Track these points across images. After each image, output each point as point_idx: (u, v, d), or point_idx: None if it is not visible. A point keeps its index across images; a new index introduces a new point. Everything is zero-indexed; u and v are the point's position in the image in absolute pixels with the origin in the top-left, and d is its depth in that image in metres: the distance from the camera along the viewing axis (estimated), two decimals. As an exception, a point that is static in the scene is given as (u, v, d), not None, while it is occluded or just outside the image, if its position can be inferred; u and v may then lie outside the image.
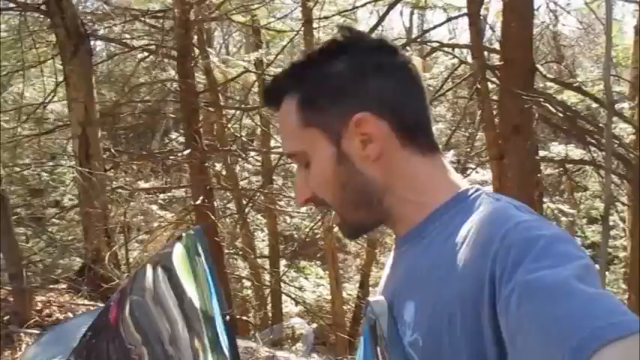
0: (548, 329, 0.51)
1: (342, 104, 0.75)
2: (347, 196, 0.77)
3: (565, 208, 7.47)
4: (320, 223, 7.87)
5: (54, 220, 8.07)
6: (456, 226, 0.70)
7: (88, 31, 5.46)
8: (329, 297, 8.82)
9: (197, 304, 0.82)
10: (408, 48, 5.19)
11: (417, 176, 0.77)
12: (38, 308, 3.51)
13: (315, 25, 6.42)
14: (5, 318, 3.36)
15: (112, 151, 6.77)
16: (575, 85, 5.16)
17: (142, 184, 8.17)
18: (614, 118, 5.43)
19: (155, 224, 8.14)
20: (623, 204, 6.80)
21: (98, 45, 9.39)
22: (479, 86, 4.06)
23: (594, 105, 5.38)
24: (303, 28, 6.60)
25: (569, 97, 5.98)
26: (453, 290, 0.65)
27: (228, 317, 0.77)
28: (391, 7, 5.13)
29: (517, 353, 0.55)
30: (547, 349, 0.51)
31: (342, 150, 0.75)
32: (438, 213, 0.74)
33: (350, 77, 0.76)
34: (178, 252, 0.86)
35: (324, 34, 6.65)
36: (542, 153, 5.60)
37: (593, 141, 3.86)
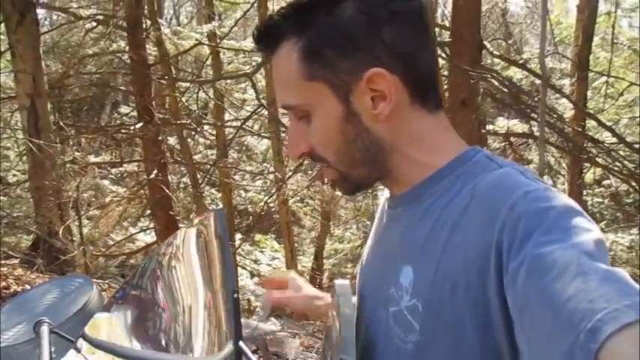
0: (560, 308, 0.49)
1: (353, 58, 0.68)
2: (351, 154, 0.71)
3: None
4: (275, 197, 7.94)
5: (-1, 196, 7.81)
6: (457, 191, 0.67)
7: (35, 1, 5.26)
8: (284, 269, 8.95)
9: (213, 279, 0.84)
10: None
11: (423, 135, 0.72)
12: (-6, 281, 3.47)
13: (269, -3, 6.38)
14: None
15: (61, 124, 6.59)
16: (520, 62, 5.38)
17: (93, 159, 7.99)
18: (557, 96, 5.71)
19: (107, 199, 8.02)
20: (563, 175, 7.18)
21: (40, 14, 9.02)
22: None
23: (537, 81, 5.64)
24: (257, 1, 6.55)
25: (515, 73, 6.22)
26: (455, 257, 0.63)
27: (236, 295, 0.77)
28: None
29: (525, 328, 0.53)
30: (558, 327, 0.48)
31: (350, 107, 0.69)
32: (439, 175, 0.70)
33: (362, 27, 0.68)
34: (197, 239, 0.91)
35: (278, 5, 6.62)
36: (488, 127, 5.83)
37: (534, 115, 4.08)
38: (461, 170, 0.69)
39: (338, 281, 0.76)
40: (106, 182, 8.49)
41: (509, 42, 8.16)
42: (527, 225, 0.57)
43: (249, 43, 8.83)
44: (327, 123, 0.70)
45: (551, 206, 0.58)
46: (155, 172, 6.43)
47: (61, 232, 4.33)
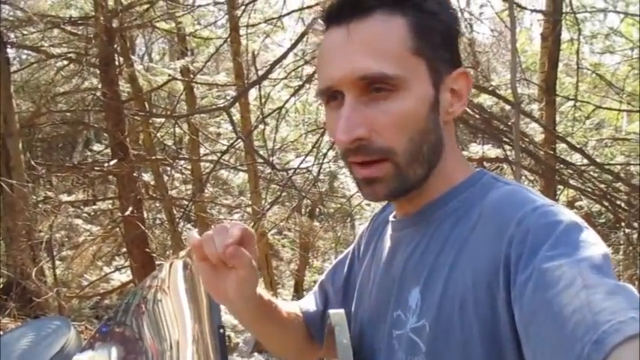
0: (565, 321, 0.49)
1: (450, 51, 0.70)
2: (420, 146, 0.67)
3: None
4: (253, 230, 7.85)
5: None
6: (465, 211, 0.68)
7: (5, 39, 5.22)
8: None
9: (197, 314, 0.82)
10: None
11: (455, 149, 0.73)
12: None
13: (242, 32, 6.45)
14: None
15: (33, 163, 6.47)
16: (490, 88, 5.52)
17: (65, 198, 7.84)
18: (527, 121, 5.85)
19: (81, 239, 7.84)
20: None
21: (10, 53, 8.94)
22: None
23: (507, 107, 5.77)
24: (229, 36, 6.61)
25: (486, 99, 6.37)
26: (464, 274, 0.62)
27: (222, 330, 0.76)
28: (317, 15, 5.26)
29: (531, 342, 0.53)
30: (564, 339, 0.48)
31: (437, 96, 0.68)
32: (450, 195, 0.71)
33: (455, 30, 0.71)
34: (184, 271, 0.88)
35: (251, 41, 6.69)
36: (463, 153, 5.92)
37: (506, 139, 4.17)
38: (470, 191, 0.70)
39: (333, 310, 0.75)
40: (79, 221, 8.32)
41: (478, 70, 8.38)
42: (535, 239, 0.57)
43: (222, 78, 8.89)
44: (416, 104, 0.66)
45: (559, 221, 0.59)
46: (130, 209, 6.33)
47: (34, 273, 4.20)
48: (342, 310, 0.74)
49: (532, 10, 5.78)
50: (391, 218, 0.80)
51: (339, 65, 0.66)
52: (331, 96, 0.69)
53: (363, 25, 0.66)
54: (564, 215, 0.60)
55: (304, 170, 5.17)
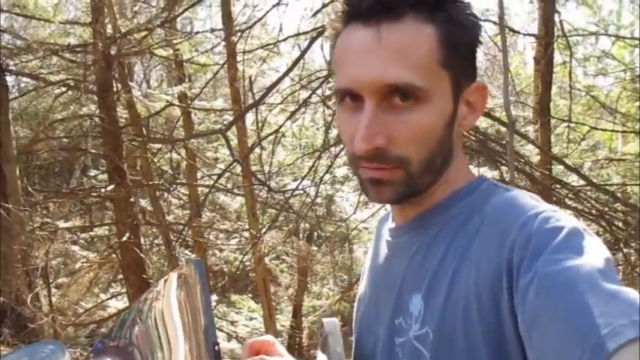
0: (568, 323, 0.49)
1: (473, 63, 0.69)
2: (434, 157, 0.67)
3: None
4: (250, 254, 7.83)
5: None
6: (467, 217, 0.67)
7: (5, 67, 5.26)
8: (262, 329, 8.72)
9: (191, 331, 0.81)
10: (329, 79, 5.42)
11: (461, 159, 0.73)
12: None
13: (238, 58, 6.52)
14: None
15: (30, 189, 6.46)
16: (485, 111, 5.57)
17: (62, 224, 7.81)
18: (523, 142, 5.89)
19: (77, 265, 7.78)
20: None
21: (9, 80, 9.01)
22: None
23: (503, 129, 5.82)
24: (226, 62, 6.68)
25: (481, 122, 6.42)
26: (467, 279, 0.62)
27: (217, 347, 0.74)
28: (312, 41, 5.35)
29: (534, 345, 0.53)
30: (565, 342, 0.49)
31: (456, 109, 0.68)
32: (449, 203, 0.70)
33: (478, 41, 0.70)
34: (178, 281, 0.88)
35: (247, 67, 6.75)
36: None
37: (502, 161, 4.20)
38: (471, 197, 0.70)
39: (326, 319, 0.75)
40: (75, 248, 8.27)
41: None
42: (537, 243, 0.57)
43: (220, 103, 8.95)
44: (436, 117, 0.66)
45: (562, 226, 0.59)
46: (127, 234, 6.30)
47: (29, 300, 4.15)
48: (335, 319, 0.74)
49: (524, 34, 5.87)
50: (389, 225, 0.79)
51: (366, 69, 0.64)
52: (349, 96, 0.67)
53: (394, 30, 0.64)
54: (567, 221, 0.60)
55: (301, 191, 5.18)
